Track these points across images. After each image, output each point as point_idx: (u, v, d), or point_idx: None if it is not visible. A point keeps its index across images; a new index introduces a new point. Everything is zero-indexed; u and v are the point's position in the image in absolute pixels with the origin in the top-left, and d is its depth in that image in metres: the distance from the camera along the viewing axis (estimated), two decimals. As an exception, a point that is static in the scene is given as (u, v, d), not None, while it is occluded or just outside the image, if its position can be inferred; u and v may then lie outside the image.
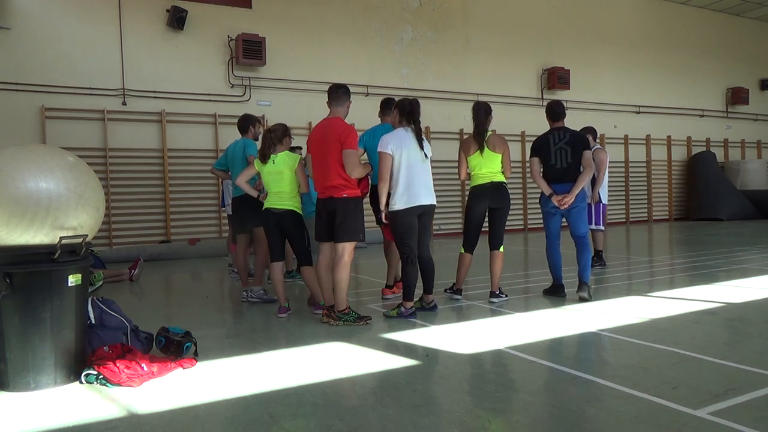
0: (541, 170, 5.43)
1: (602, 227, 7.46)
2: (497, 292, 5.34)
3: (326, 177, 4.56)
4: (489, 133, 5.24)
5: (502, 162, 5.22)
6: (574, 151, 5.28)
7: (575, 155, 5.27)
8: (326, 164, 4.55)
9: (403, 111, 4.77)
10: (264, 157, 4.95)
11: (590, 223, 7.25)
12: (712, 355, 3.51)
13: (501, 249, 5.33)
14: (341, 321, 4.54)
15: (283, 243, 5.04)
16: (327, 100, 4.80)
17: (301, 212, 5.00)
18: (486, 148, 5.14)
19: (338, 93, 4.73)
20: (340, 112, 4.71)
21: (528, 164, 14.30)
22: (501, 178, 5.23)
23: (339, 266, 4.54)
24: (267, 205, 4.97)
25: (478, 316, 4.78)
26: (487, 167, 5.18)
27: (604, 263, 7.52)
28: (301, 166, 4.93)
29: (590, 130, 7.49)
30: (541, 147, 5.40)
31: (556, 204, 5.26)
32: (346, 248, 4.57)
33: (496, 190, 5.20)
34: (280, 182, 4.90)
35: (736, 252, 8.72)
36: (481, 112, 5.20)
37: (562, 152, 5.29)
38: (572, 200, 5.23)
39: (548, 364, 3.43)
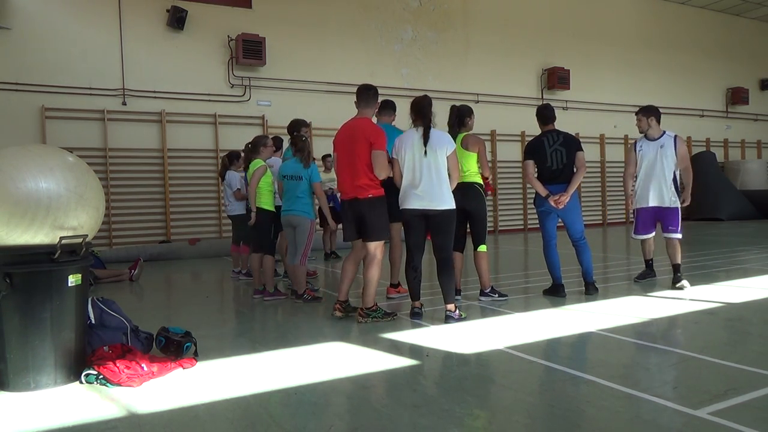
0: (535, 172, 5.52)
1: (680, 234, 5.97)
2: (487, 291, 5.42)
3: (353, 177, 4.60)
4: (463, 134, 5.34)
5: (478, 161, 5.31)
6: (569, 152, 5.38)
7: (569, 156, 5.38)
8: (353, 165, 4.58)
9: (412, 110, 4.71)
10: (247, 167, 6.08)
11: (677, 230, 5.88)
12: (712, 355, 3.51)
13: (481, 248, 5.37)
14: (369, 318, 4.58)
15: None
16: (355, 100, 4.81)
17: (269, 207, 5.82)
18: (460, 148, 5.22)
19: (368, 94, 4.74)
20: (368, 113, 4.73)
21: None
22: (472, 178, 5.27)
23: (372, 265, 4.60)
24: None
25: (477, 316, 4.77)
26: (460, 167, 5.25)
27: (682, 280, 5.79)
28: (259, 172, 5.80)
29: (654, 112, 6.03)
30: (536, 149, 5.47)
31: (553, 204, 5.33)
32: (378, 247, 4.64)
33: (466, 190, 5.22)
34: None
35: (736, 252, 8.72)
36: (453, 115, 5.35)
37: (557, 153, 5.38)
38: (568, 200, 5.32)
39: (548, 364, 3.43)
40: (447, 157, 4.57)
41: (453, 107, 5.44)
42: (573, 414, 2.68)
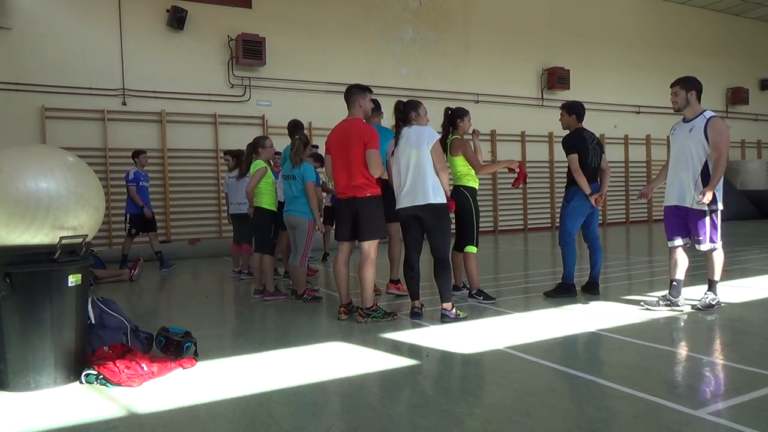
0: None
1: (715, 245, 4.67)
2: (473, 292, 5.38)
3: (350, 177, 4.60)
4: (452, 138, 5.39)
5: (468, 162, 5.30)
6: (601, 152, 5.45)
7: (600, 157, 5.44)
8: (349, 164, 4.59)
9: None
10: (248, 168, 6.19)
11: (704, 239, 4.63)
12: (712, 355, 3.51)
13: (468, 249, 5.31)
14: (369, 318, 4.59)
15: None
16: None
17: (270, 207, 5.88)
18: (449, 152, 5.29)
19: (349, 94, 4.75)
20: (356, 113, 4.74)
21: (529, 164, 14.09)
22: (459, 181, 5.28)
23: (366, 264, 4.60)
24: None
25: (477, 316, 4.77)
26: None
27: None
28: (259, 173, 5.84)
29: (696, 85, 4.68)
30: (581, 144, 5.38)
31: (593, 202, 5.32)
32: (372, 246, 4.64)
33: (453, 194, 5.18)
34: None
35: (736, 252, 8.71)
36: (445, 118, 5.43)
37: (595, 152, 5.42)
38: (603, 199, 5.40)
39: (548, 364, 3.43)
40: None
41: (446, 110, 5.50)
42: (573, 414, 2.68)
